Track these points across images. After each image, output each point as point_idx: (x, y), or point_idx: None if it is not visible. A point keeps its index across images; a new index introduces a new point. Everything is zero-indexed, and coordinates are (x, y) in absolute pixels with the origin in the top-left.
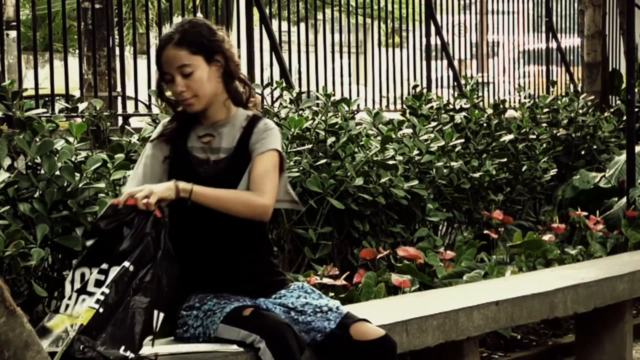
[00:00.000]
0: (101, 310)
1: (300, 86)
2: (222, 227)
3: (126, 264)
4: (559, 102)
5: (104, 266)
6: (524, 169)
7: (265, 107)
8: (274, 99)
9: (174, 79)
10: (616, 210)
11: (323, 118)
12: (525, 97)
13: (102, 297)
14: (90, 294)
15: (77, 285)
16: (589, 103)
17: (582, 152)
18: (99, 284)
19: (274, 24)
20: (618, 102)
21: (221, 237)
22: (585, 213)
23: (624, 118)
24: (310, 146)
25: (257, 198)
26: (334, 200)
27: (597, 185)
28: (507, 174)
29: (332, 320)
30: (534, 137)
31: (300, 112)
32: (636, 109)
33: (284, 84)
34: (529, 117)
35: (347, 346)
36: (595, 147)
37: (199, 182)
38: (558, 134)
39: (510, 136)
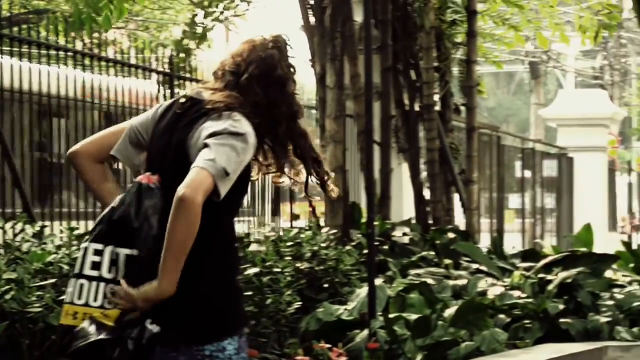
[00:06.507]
0: None
1: None
2: None
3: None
4: (302, 235)
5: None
6: (268, 301)
7: (7, 241)
8: (15, 233)
9: None
10: (358, 342)
11: (67, 252)
12: (269, 231)
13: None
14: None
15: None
16: (331, 237)
17: (325, 285)
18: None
19: None
20: (359, 235)
21: None
22: (328, 345)
23: (365, 251)
24: (54, 280)
25: None
26: None
27: (340, 318)
28: (252, 307)
29: None
30: (279, 270)
31: (43, 245)
32: (376, 243)
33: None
34: (274, 251)
35: None
36: (337, 280)
37: None
38: (302, 267)
39: (255, 269)
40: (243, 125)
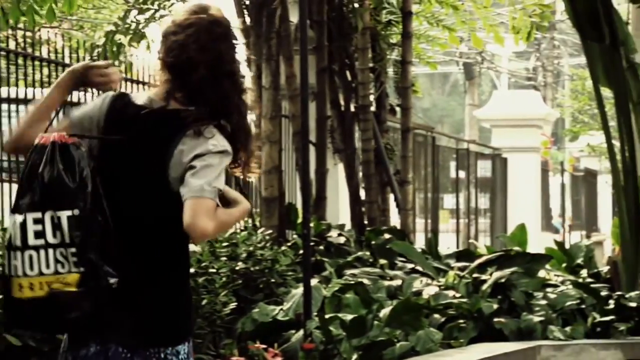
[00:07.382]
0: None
1: None
2: None
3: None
4: (238, 236)
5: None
6: (203, 302)
7: None
8: None
9: None
10: (294, 342)
11: None
12: None
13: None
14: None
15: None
16: (267, 237)
17: (261, 286)
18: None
19: None
20: (294, 236)
21: None
22: (264, 346)
23: (301, 252)
24: None
25: None
26: None
27: (276, 318)
28: None
29: None
30: (214, 270)
31: None
32: (312, 244)
33: None
34: (209, 251)
35: None
36: (273, 280)
37: None
38: (237, 268)
39: (190, 270)
40: (219, 139)
